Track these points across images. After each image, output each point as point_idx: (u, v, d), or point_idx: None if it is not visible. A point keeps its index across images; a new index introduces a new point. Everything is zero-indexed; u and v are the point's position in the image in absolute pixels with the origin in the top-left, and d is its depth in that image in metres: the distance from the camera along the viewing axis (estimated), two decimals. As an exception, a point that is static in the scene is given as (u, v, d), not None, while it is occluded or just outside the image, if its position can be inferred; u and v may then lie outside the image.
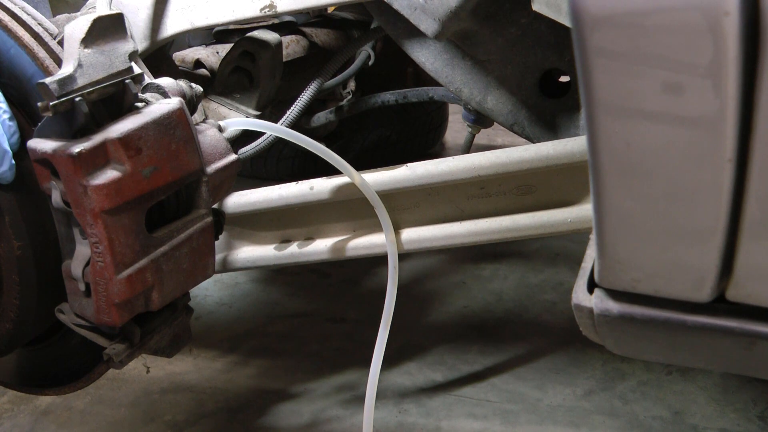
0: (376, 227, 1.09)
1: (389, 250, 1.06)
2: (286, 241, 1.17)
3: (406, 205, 1.09)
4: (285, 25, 1.79)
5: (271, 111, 1.49)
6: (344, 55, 1.44)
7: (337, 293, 1.86)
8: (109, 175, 0.78)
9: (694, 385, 1.41)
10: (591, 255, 0.69)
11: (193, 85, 0.95)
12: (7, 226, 0.90)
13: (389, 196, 1.07)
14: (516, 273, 1.88)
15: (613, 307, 0.64)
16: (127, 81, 0.84)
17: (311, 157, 1.04)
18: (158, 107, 0.84)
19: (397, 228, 1.10)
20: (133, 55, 0.87)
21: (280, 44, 1.42)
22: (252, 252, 1.18)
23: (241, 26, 1.70)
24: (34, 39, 0.89)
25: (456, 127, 2.81)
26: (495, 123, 1.30)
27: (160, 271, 0.86)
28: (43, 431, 1.40)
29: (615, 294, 0.65)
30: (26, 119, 0.91)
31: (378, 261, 1.12)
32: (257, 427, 1.39)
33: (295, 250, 1.15)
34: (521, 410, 1.38)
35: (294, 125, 1.30)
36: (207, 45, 1.68)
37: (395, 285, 1.06)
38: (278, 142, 1.28)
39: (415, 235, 1.09)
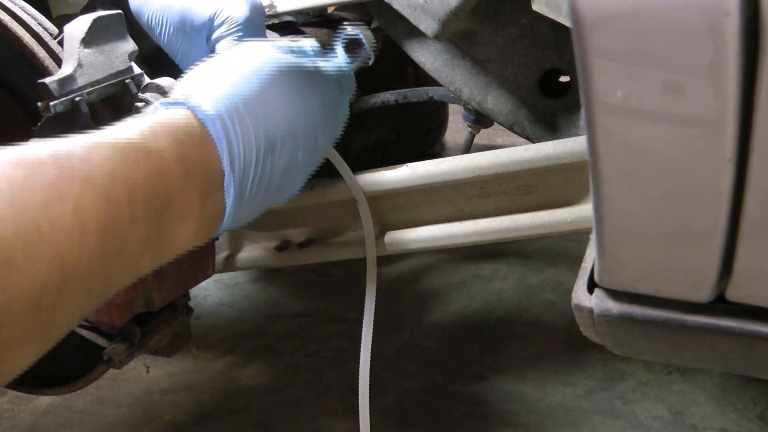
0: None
1: (367, 245, 1.03)
2: (286, 241, 1.17)
3: (407, 205, 1.09)
4: (285, 25, 1.78)
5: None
6: (344, 55, 1.44)
7: (337, 293, 1.86)
8: (109, 175, 0.78)
9: (694, 385, 1.41)
10: (591, 255, 0.69)
11: (193, 85, 0.94)
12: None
13: (390, 196, 1.07)
14: (516, 273, 1.88)
15: (613, 307, 0.64)
16: (127, 81, 0.84)
17: (311, 157, 1.04)
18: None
19: (397, 228, 1.10)
20: (132, 55, 0.87)
21: (280, 44, 1.42)
22: (252, 252, 1.18)
23: (241, 26, 1.69)
24: (34, 39, 0.89)
25: (456, 127, 2.81)
26: (495, 123, 1.30)
27: (160, 271, 0.86)
28: (43, 431, 1.40)
29: (615, 294, 0.64)
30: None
31: (378, 261, 1.12)
32: (257, 427, 1.39)
33: (295, 250, 1.15)
34: (521, 410, 1.38)
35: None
36: (207, 45, 1.68)
37: (374, 280, 1.05)
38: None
39: (415, 235, 1.09)
